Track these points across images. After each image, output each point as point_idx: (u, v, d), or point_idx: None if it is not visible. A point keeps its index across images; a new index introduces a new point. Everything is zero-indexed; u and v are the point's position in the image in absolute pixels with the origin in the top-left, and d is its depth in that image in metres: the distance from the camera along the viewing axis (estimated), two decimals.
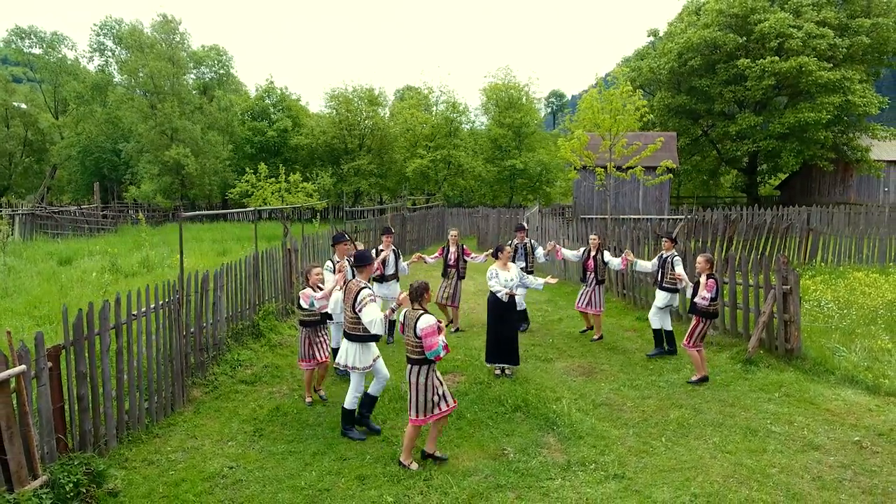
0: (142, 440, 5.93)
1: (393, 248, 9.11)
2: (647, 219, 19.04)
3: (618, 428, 6.12)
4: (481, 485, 5.03)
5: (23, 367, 4.53)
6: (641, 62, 26.72)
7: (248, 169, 22.69)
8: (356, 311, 5.60)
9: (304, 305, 6.55)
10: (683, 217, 18.64)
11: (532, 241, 9.77)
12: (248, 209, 11.90)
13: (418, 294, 5.34)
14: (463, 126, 39.13)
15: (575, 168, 15.80)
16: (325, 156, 37.11)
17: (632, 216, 18.97)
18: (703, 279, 7.36)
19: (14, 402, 4.55)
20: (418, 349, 5.15)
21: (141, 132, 29.39)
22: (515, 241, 9.66)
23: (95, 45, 36.93)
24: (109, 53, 37.16)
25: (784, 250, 13.34)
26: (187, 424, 6.35)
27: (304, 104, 39.49)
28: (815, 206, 19.43)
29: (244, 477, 5.25)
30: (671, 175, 16.69)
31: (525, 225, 9.90)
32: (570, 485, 5.03)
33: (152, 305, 6.33)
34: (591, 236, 9.67)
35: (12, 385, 4.51)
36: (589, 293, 9.27)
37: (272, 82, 36.88)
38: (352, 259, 6.22)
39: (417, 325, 5.14)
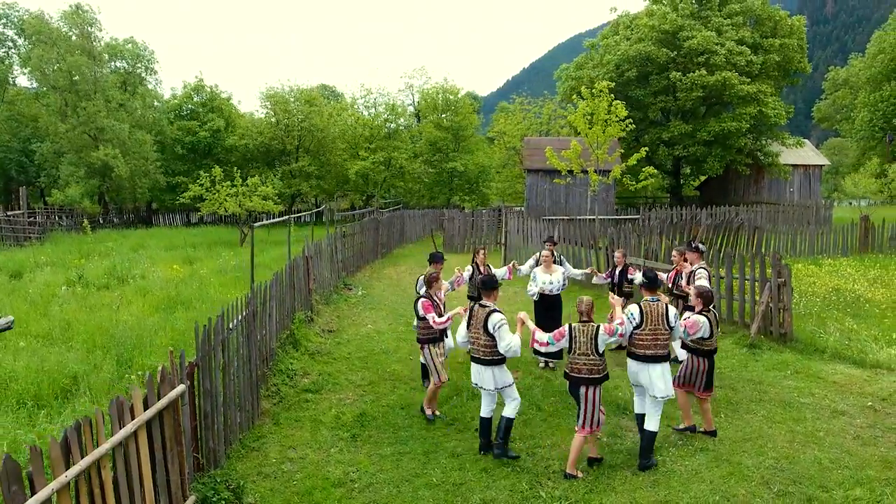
0: (241, 454, 5.92)
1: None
2: (600, 219, 20.45)
3: (678, 409, 6.89)
4: (594, 467, 5.59)
5: (183, 386, 4.52)
6: (581, 71, 28.51)
7: (202, 173, 21.67)
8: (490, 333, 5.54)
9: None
10: (639, 217, 20.23)
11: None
12: (308, 212, 11.60)
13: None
14: (401, 128, 39.37)
15: (562, 173, 16.80)
16: (261, 157, 35.93)
17: (587, 217, 20.29)
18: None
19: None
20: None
21: (61, 132, 26.97)
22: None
23: None
24: (10, 44, 33.61)
25: (737, 246, 15.06)
26: (275, 436, 6.38)
27: (234, 103, 37.88)
28: (742, 206, 21.87)
29: (372, 480, 5.46)
30: (653, 180, 18.18)
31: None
32: (669, 459, 5.72)
33: (239, 318, 6.30)
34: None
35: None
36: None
37: (202, 80, 35.08)
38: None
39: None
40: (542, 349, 5.51)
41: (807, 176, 28.99)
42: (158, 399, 4.17)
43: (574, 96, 15.66)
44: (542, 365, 8.36)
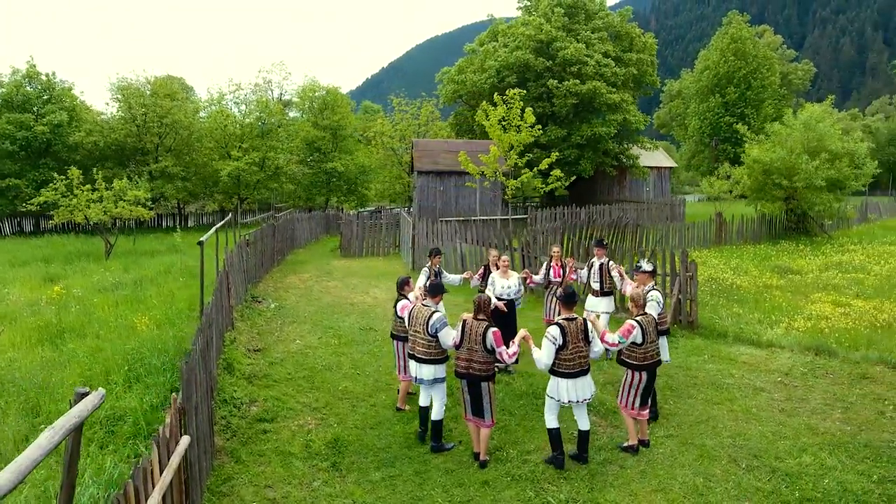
0: (213, 502, 5.27)
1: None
2: (493, 219, 21.26)
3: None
4: (587, 465, 5.83)
5: (188, 437, 3.90)
6: (463, 76, 29.32)
7: (56, 175, 18.62)
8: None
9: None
10: (527, 216, 21.31)
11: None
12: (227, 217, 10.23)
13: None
14: (275, 126, 37.36)
15: (476, 176, 17.07)
16: (114, 156, 31.88)
17: (482, 217, 20.97)
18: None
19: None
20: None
21: None
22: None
23: None
24: None
25: (624, 241, 16.58)
26: (243, 476, 5.76)
27: (77, 94, 33.08)
28: (614, 204, 24.15)
29: None
30: (560, 183, 19.15)
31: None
32: (645, 448, 6.15)
33: (198, 347, 5.57)
34: None
35: None
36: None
37: (34, 65, 30.16)
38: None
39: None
40: (613, 349, 5.85)
41: (660, 176, 32.86)
42: (169, 457, 3.56)
43: (485, 103, 15.95)
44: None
